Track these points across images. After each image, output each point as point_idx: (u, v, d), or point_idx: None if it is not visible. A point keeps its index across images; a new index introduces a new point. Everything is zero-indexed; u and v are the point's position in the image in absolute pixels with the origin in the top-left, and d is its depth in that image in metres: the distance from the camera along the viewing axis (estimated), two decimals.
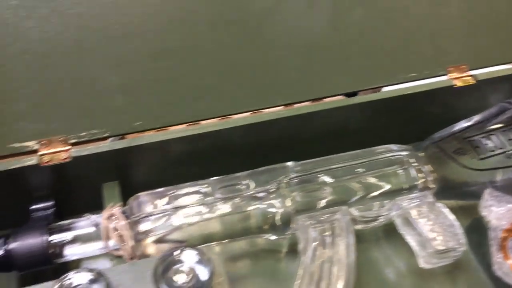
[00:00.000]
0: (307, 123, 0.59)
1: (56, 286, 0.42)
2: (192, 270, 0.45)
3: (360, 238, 0.56)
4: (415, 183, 0.55)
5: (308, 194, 0.53)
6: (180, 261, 0.46)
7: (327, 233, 0.50)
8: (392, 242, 0.57)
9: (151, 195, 0.53)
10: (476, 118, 0.59)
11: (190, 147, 0.57)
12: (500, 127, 0.57)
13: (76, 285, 0.42)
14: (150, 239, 0.50)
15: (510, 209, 0.53)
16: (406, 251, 0.55)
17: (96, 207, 0.53)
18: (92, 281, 0.43)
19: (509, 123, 0.58)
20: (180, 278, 0.44)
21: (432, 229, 0.52)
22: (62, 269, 0.51)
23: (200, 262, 0.45)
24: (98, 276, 0.43)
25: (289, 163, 0.55)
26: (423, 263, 0.52)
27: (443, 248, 0.50)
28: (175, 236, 0.51)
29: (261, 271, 0.55)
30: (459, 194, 0.57)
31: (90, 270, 0.43)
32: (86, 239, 0.50)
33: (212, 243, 0.53)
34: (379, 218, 0.54)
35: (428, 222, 0.52)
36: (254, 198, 0.52)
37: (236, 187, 0.53)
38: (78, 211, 0.54)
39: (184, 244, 0.50)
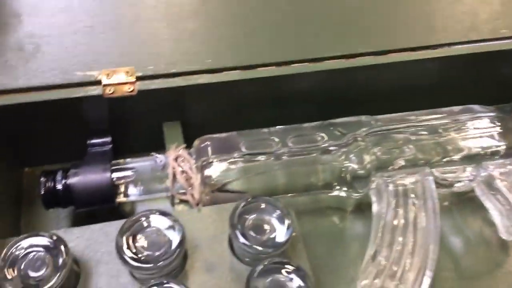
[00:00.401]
0: (388, 74, 0.54)
1: (132, 222, 0.39)
2: (271, 224, 0.41)
3: None
4: (499, 148, 0.51)
5: (388, 150, 0.48)
6: (259, 212, 0.42)
7: (408, 195, 0.47)
8: (463, 210, 0.53)
9: (218, 140, 0.49)
10: None
11: (261, 91, 0.52)
12: None
13: (153, 227, 0.39)
14: (214, 186, 0.47)
15: None
16: (478, 220, 0.52)
17: (155, 148, 0.49)
18: (169, 227, 0.40)
19: None
20: (257, 231, 0.41)
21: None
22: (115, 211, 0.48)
23: (279, 217, 0.42)
24: (175, 223, 0.39)
25: (365, 117, 0.51)
26: (505, 234, 0.49)
27: None
28: (238, 185, 0.48)
29: (323, 229, 0.51)
30: None
31: (166, 214, 0.40)
32: (151, 179, 0.46)
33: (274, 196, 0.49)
34: (459, 182, 0.51)
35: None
36: (327, 152, 0.49)
37: (308, 137, 0.49)
38: (135, 150, 0.50)
39: (246, 195, 0.47)
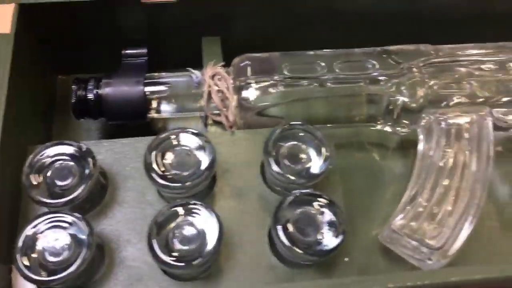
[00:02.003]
0: None
1: (162, 140, 0.37)
2: (307, 154, 0.39)
3: None
4: None
5: (445, 85, 0.44)
6: (296, 140, 0.39)
7: (462, 136, 0.43)
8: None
9: (260, 60, 0.45)
10: None
11: (313, 7, 0.48)
12: None
13: (183, 146, 0.37)
14: (253, 110, 0.44)
15: None
16: None
17: (193, 64, 0.46)
18: (200, 148, 0.38)
19: None
20: (292, 159, 0.38)
21: None
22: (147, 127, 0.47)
23: (316, 148, 0.39)
24: (206, 144, 0.37)
25: (424, 46, 0.46)
26: None
27: None
28: (277, 111, 0.45)
29: (362, 165, 0.48)
30: None
31: (198, 134, 0.37)
32: (185, 96, 0.44)
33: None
34: None
35: None
36: (376, 81, 0.45)
37: (357, 64, 0.45)
38: (172, 65, 0.47)
39: (283, 121, 0.44)
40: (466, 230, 0.39)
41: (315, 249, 0.35)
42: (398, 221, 0.39)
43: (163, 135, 0.38)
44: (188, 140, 0.37)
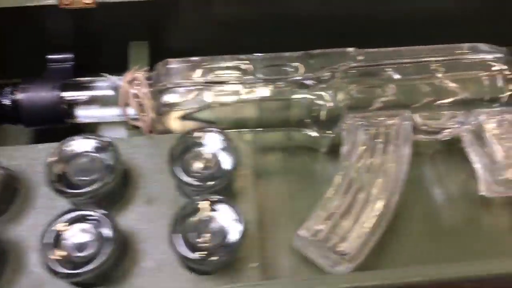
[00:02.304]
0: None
1: (55, 149, 0.37)
2: (214, 157, 0.39)
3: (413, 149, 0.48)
4: (501, 95, 0.45)
5: (367, 89, 0.44)
6: (202, 144, 0.39)
7: (379, 139, 0.42)
8: (449, 160, 0.48)
9: (184, 64, 0.45)
10: None
11: (239, 12, 0.48)
12: None
13: (79, 152, 0.37)
14: (175, 114, 0.44)
15: None
16: (463, 173, 0.47)
17: (122, 69, 0.46)
18: (99, 149, 0.37)
19: None
20: (198, 163, 0.38)
21: (508, 154, 0.43)
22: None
23: (225, 148, 0.39)
24: (107, 145, 0.37)
25: (351, 49, 0.46)
26: (484, 190, 0.44)
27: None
28: (204, 115, 0.44)
29: (293, 169, 0.48)
30: None
31: (98, 137, 0.37)
32: (102, 101, 0.44)
33: (244, 130, 0.46)
34: (445, 130, 0.45)
35: (506, 144, 0.43)
36: (301, 85, 0.44)
37: (283, 68, 0.45)
38: (101, 71, 0.47)
39: (213, 125, 0.44)
40: (376, 234, 0.39)
41: (212, 256, 0.35)
42: (308, 226, 0.39)
43: (60, 144, 0.38)
44: (86, 145, 0.38)
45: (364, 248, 0.38)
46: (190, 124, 0.44)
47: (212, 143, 0.39)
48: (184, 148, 0.39)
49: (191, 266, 0.36)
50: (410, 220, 0.45)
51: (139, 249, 0.38)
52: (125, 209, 0.40)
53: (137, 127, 0.44)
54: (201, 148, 0.39)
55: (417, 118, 0.44)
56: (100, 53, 0.49)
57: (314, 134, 0.46)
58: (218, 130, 0.40)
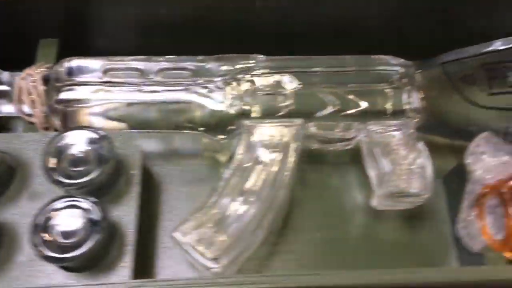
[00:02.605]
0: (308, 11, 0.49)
1: None
2: (87, 156, 0.39)
3: (323, 157, 0.49)
4: (398, 108, 0.44)
5: (263, 97, 0.44)
6: (74, 143, 0.40)
7: (270, 147, 0.42)
8: (351, 171, 0.48)
9: (85, 62, 0.45)
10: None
11: (153, 15, 0.48)
12: None
13: None
14: (82, 111, 0.44)
15: (504, 162, 0.43)
16: (362, 184, 0.47)
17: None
18: None
19: None
20: (71, 162, 0.39)
21: (397, 167, 0.43)
22: None
23: (100, 148, 0.39)
24: None
25: (257, 56, 0.46)
26: (375, 202, 0.44)
27: (398, 190, 0.42)
28: (112, 114, 0.45)
29: (192, 172, 0.48)
30: (454, 132, 0.46)
31: None
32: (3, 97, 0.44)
33: (150, 130, 0.46)
34: (343, 141, 0.46)
35: (396, 157, 0.43)
36: (197, 89, 0.44)
37: (180, 72, 0.45)
38: (10, 67, 0.48)
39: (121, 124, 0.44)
40: (247, 241, 0.39)
41: (71, 253, 0.35)
42: (182, 228, 0.39)
43: None
44: None
45: (233, 253, 0.38)
46: (102, 123, 0.45)
47: (84, 142, 0.40)
48: (57, 147, 0.39)
49: (55, 264, 0.36)
50: (303, 228, 0.46)
51: (16, 243, 0.39)
52: (8, 204, 0.40)
53: (32, 123, 0.44)
54: (74, 147, 0.40)
55: (312, 128, 0.44)
56: (8, 49, 0.49)
57: (207, 138, 0.46)
58: (95, 129, 0.40)
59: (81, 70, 0.45)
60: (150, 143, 0.50)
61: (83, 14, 0.49)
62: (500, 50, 0.45)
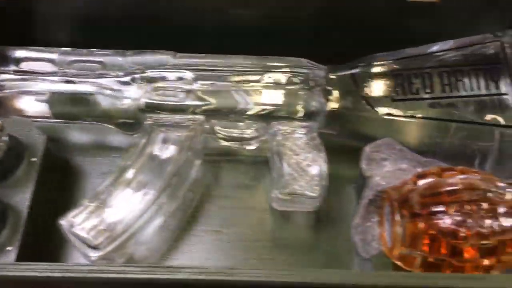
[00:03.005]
0: None
1: None
2: None
3: (239, 156, 0.49)
4: (305, 110, 0.45)
5: (165, 92, 0.45)
6: None
7: (170, 143, 0.43)
8: (261, 170, 0.48)
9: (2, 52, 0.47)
10: (432, 47, 0.46)
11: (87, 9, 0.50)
12: (453, 65, 0.44)
13: None
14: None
15: (402, 170, 0.43)
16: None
17: None
18: None
19: (477, 63, 0.44)
20: None
21: (295, 168, 0.43)
22: None
23: None
24: None
25: (167, 53, 0.46)
26: (273, 201, 0.44)
27: (293, 192, 0.42)
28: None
29: (109, 164, 0.48)
30: (360, 138, 0.46)
31: None
32: None
33: (69, 121, 0.48)
34: (251, 140, 0.46)
35: (296, 159, 0.44)
36: (105, 82, 0.45)
37: (91, 65, 0.46)
38: None
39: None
40: (142, 230, 0.40)
41: None
42: (69, 216, 0.40)
43: None
44: None
45: (116, 243, 0.39)
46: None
47: None
48: None
49: None
50: (210, 223, 0.46)
51: None
52: None
53: None
54: None
55: (216, 125, 0.45)
56: None
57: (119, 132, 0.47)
58: None
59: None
60: (74, 134, 0.51)
61: (18, 6, 0.51)
62: (408, 57, 0.45)
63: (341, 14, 0.50)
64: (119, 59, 0.46)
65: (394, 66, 0.45)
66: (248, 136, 0.46)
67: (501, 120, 0.42)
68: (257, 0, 0.50)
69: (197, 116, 0.44)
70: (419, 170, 0.43)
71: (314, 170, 0.43)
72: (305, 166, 0.43)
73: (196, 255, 0.45)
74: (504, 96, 0.42)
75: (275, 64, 0.46)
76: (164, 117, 0.44)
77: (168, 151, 0.43)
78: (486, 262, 0.38)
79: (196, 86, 0.44)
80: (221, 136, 0.45)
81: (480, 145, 0.44)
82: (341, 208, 0.47)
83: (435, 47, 0.45)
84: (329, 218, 0.47)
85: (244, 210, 0.47)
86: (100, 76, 0.45)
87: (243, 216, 0.47)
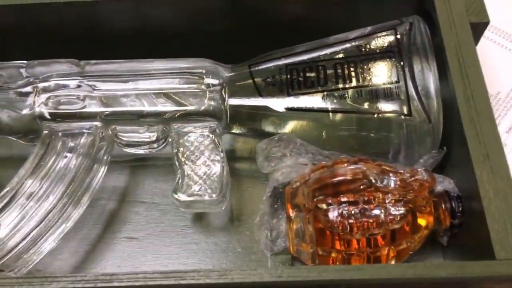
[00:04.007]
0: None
1: None
2: None
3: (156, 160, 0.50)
4: (204, 110, 0.44)
5: (61, 100, 0.44)
6: None
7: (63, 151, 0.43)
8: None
9: None
10: (328, 39, 0.46)
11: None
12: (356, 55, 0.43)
13: None
14: None
15: (301, 164, 0.43)
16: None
17: None
18: None
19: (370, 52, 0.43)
20: None
21: (193, 170, 0.43)
22: None
23: None
24: None
25: (69, 61, 0.46)
26: (177, 204, 0.44)
27: (192, 196, 0.42)
28: None
29: None
30: (264, 135, 0.45)
31: None
32: None
33: None
34: (153, 144, 0.46)
35: (197, 159, 0.43)
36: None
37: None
38: None
39: None
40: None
41: None
42: None
43: None
44: None
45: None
46: None
47: None
48: None
49: None
50: (118, 228, 0.47)
51: None
52: None
53: None
54: None
55: (116, 130, 0.45)
56: None
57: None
58: None
59: None
60: None
61: None
62: (301, 51, 0.45)
63: (247, 11, 0.49)
64: (20, 71, 0.46)
65: (289, 61, 0.45)
66: (147, 140, 0.45)
67: (397, 109, 0.42)
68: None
69: (95, 123, 0.44)
70: (323, 162, 0.43)
71: (213, 170, 0.43)
72: (204, 167, 0.43)
73: (109, 263, 0.45)
74: (397, 84, 0.41)
75: (177, 65, 0.46)
76: (61, 125, 0.44)
77: (65, 159, 0.43)
78: (379, 253, 0.38)
79: (96, 93, 0.44)
80: (123, 142, 0.45)
81: (389, 136, 0.43)
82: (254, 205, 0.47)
83: (331, 39, 0.45)
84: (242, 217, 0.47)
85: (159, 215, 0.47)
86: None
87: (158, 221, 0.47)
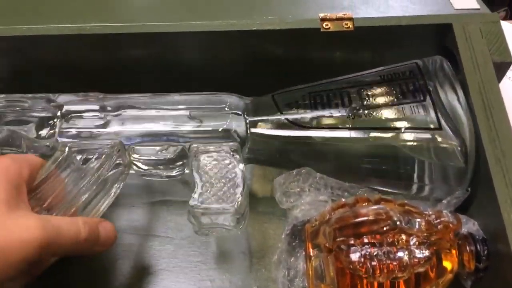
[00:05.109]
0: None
1: None
2: None
3: None
4: (224, 128, 0.44)
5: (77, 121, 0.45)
6: None
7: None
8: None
9: None
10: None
11: None
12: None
13: None
14: None
15: (320, 201, 0.42)
16: None
17: None
18: None
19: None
20: None
21: (213, 184, 0.41)
22: None
23: None
24: None
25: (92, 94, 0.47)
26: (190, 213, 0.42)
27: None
28: None
29: None
30: (289, 162, 0.45)
31: None
32: None
33: None
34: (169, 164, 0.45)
35: (216, 177, 0.42)
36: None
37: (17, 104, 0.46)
38: None
39: None
40: None
41: None
42: None
43: None
44: None
45: None
46: None
47: None
48: None
49: None
50: None
51: None
52: None
53: None
54: None
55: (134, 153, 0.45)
56: None
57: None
58: None
59: None
60: None
61: None
62: (324, 83, 0.45)
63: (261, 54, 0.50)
64: (44, 102, 0.46)
65: (312, 89, 0.45)
66: (164, 159, 0.45)
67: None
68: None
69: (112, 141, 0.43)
70: (343, 200, 0.42)
71: (233, 188, 0.41)
72: (223, 185, 0.41)
73: None
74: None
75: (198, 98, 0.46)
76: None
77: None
78: None
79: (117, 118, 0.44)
80: (140, 161, 0.45)
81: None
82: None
83: (353, 74, 0.45)
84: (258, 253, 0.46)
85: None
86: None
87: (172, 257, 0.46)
